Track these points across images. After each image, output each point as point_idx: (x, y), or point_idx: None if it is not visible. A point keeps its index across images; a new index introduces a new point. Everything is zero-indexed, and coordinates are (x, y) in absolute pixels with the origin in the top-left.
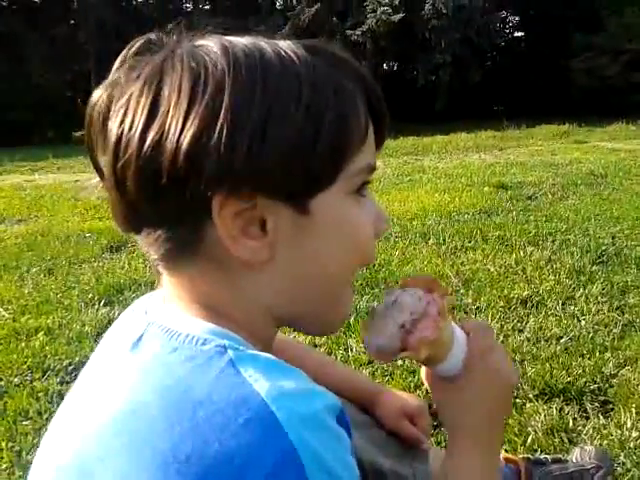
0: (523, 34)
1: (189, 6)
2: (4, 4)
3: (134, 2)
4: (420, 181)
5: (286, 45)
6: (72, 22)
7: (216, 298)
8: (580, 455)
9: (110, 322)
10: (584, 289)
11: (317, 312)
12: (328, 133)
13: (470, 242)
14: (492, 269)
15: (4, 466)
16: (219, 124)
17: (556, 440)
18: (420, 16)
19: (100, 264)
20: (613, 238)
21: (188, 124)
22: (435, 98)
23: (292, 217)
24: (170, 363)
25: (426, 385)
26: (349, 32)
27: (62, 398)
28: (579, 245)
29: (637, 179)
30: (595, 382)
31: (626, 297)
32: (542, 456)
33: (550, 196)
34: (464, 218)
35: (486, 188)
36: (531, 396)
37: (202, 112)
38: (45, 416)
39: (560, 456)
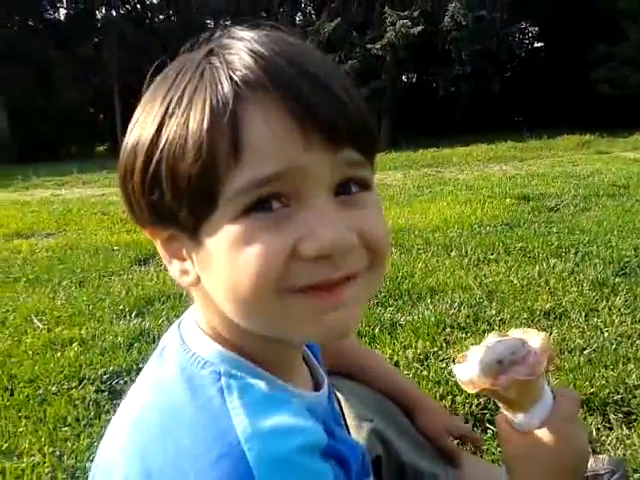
0: (543, 44)
1: (210, 22)
2: (30, 24)
3: (156, 19)
4: (441, 193)
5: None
6: (95, 40)
7: (211, 316)
8: (594, 462)
9: (142, 333)
10: (607, 301)
11: (273, 330)
12: (170, 166)
13: (492, 254)
14: (515, 281)
15: (46, 470)
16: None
17: None
18: (439, 28)
19: (129, 276)
20: (635, 250)
21: None
22: (455, 109)
23: (192, 246)
24: (176, 382)
25: (498, 431)
26: (369, 45)
27: (98, 406)
28: (602, 257)
29: None
30: (618, 393)
31: None
32: None
33: (572, 207)
34: (486, 230)
35: (508, 200)
36: None
37: None
38: (83, 423)
39: None
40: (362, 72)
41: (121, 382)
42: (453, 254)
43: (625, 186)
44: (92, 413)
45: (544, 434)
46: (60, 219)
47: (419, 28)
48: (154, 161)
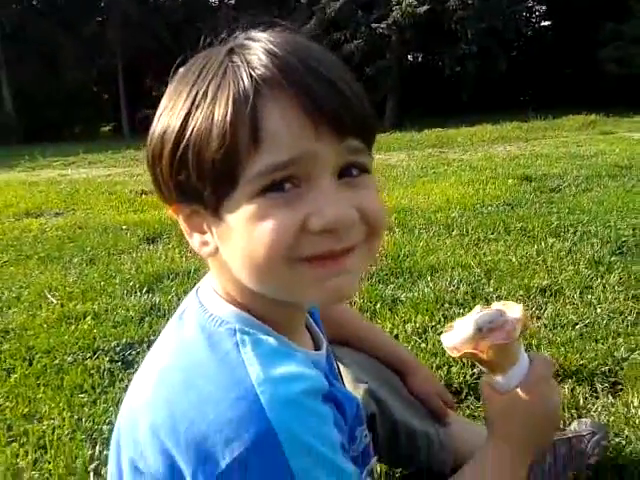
0: (550, 23)
1: (214, 1)
2: (34, 4)
3: None
4: (445, 174)
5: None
6: (99, 19)
7: (226, 282)
8: (577, 425)
9: (152, 308)
10: (602, 279)
11: (282, 293)
12: (197, 151)
13: (493, 234)
14: (514, 259)
15: (66, 432)
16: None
17: (567, 415)
18: (445, 7)
19: (138, 254)
20: (634, 229)
21: None
22: (461, 89)
23: (213, 221)
24: (195, 339)
25: (482, 393)
26: (374, 25)
27: (112, 375)
28: (600, 236)
29: None
30: (606, 365)
31: None
32: None
33: (574, 188)
34: (487, 210)
35: (510, 180)
36: None
37: None
38: (98, 390)
39: (561, 426)
40: (368, 51)
41: (133, 353)
42: (454, 233)
43: (627, 167)
44: (107, 381)
45: (521, 393)
46: (68, 199)
47: (425, 7)
48: (181, 147)
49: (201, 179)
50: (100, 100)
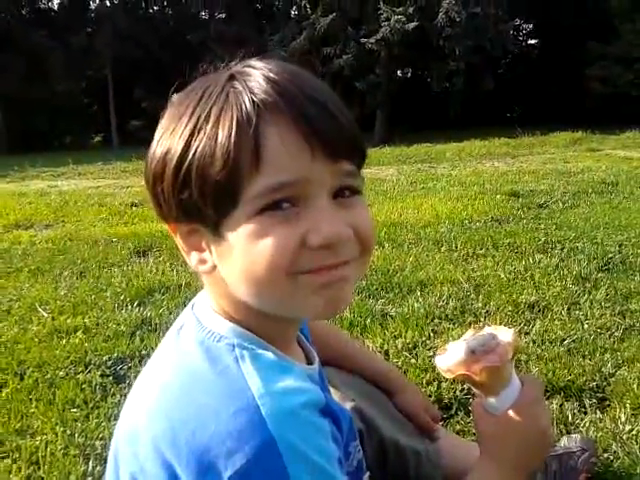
0: (537, 41)
1: (205, 14)
2: (24, 14)
3: (150, 10)
4: (434, 189)
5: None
6: (88, 30)
7: (222, 299)
8: (567, 441)
9: (144, 322)
10: (589, 295)
11: (280, 308)
12: (200, 172)
13: (481, 249)
14: (502, 275)
15: (59, 447)
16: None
17: (556, 431)
18: (433, 24)
19: (129, 268)
20: (620, 246)
21: None
22: (449, 105)
23: (213, 239)
24: (195, 354)
25: (473, 414)
26: (363, 40)
27: (104, 389)
28: (586, 253)
29: None
30: (594, 380)
31: (629, 303)
32: None
33: (561, 204)
34: (476, 225)
35: (498, 196)
36: None
37: None
38: (90, 405)
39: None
40: (357, 67)
41: (125, 367)
42: (443, 249)
43: (614, 183)
44: (99, 396)
45: (513, 415)
46: (58, 210)
47: (413, 24)
48: (185, 167)
49: (203, 198)
50: (89, 111)
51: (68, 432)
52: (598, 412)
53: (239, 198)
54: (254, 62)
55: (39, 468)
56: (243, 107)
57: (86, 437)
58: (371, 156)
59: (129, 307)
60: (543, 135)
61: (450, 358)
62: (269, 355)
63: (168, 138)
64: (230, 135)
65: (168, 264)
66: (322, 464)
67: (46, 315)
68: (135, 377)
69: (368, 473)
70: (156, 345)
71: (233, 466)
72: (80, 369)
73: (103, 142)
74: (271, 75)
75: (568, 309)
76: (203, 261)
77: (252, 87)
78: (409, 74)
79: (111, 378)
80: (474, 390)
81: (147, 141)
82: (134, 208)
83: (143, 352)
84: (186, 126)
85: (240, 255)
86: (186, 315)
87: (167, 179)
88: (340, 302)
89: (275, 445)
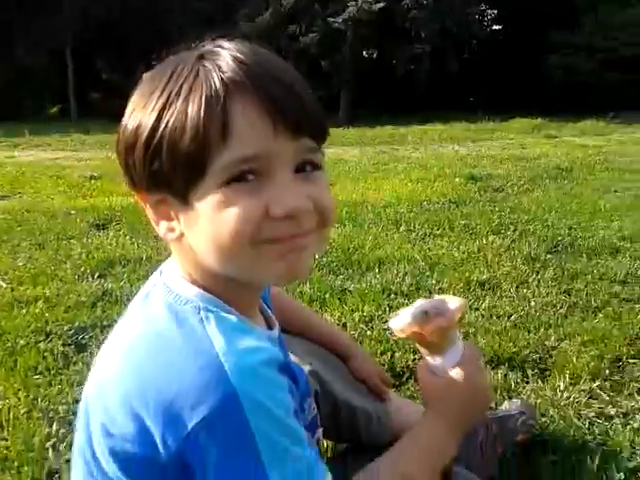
0: (501, 27)
1: None
2: None
3: None
4: (395, 170)
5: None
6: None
7: (189, 265)
8: (508, 405)
9: (104, 293)
10: (537, 274)
11: (245, 273)
12: (171, 143)
13: (438, 230)
14: (456, 254)
15: (22, 411)
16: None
17: (499, 398)
18: (400, 6)
19: (89, 240)
20: (569, 229)
21: None
22: (414, 87)
23: (181, 207)
24: (162, 315)
25: (419, 376)
26: (330, 19)
27: (66, 357)
28: (537, 235)
29: (599, 174)
30: (537, 353)
31: (574, 282)
32: None
33: (516, 188)
34: (434, 207)
35: (457, 179)
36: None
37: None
38: (52, 372)
39: (492, 406)
40: (322, 45)
41: (86, 337)
42: (402, 229)
43: (568, 169)
44: (60, 364)
45: (456, 373)
46: (14, 182)
47: (380, 4)
48: (156, 139)
49: (173, 169)
50: (48, 81)
51: (31, 397)
52: (539, 381)
53: (207, 169)
54: (223, 42)
55: (3, 429)
56: (212, 85)
57: (49, 402)
58: (335, 137)
59: (89, 279)
60: (503, 121)
61: (403, 319)
62: (232, 318)
63: (139, 112)
64: (200, 110)
65: (128, 238)
66: (280, 415)
67: (5, 285)
68: (97, 346)
69: (321, 429)
70: (118, 316)
71: (197, 417)
72: (41, 338)
73: (61, 113)
74: (239, 55)
75: (517, 287)
76: (172, 229)
77: (221, 66)
78: (375, 55)
79: (73, 347)
80: (421, 349)
81: (106, 113)
82: (93, 181)
83: (104, 322)
84: (157, 101)
85: (207, 224)
86: (154, 281)
87: (138, 151)
88: (300, 269)
89: (237, 398)
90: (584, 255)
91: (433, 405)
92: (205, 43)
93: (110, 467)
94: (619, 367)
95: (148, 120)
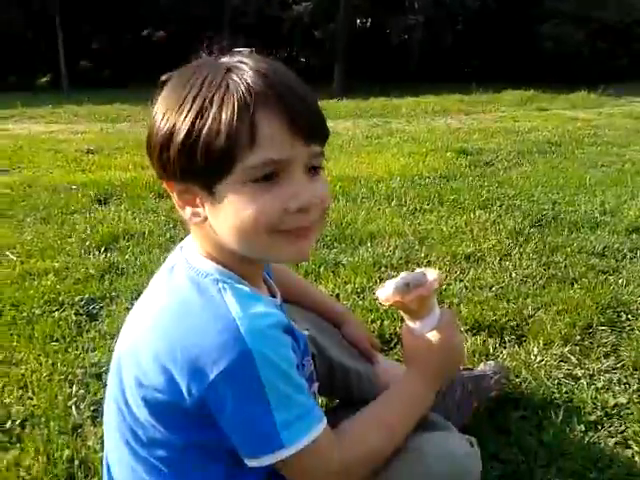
0: None
1: None
2: None
3: None
4: (388, 144)
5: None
6: None
7: (207, 245)
8: (483, 366)
9: (111, 266)
10: (520, 248)
11: (260, 254)
12: (205, 144)
13: (428, 204)
14: (444, 229)
15: (44, 374)
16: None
17: (478, 361)
18: None
19: (92, 215)
20: (554, 204)
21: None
22: (407, 58)
23: (207, 197)
24: (186, 287)
25: (402, 337)
26: None
27: (80, 326)
28: (522, 209)
29: (587, 148)
30: (515, 321)
31: (554, 255)
32: None
33: (505, 163)
34: (425, 182)
35: (448, 154)
36: (463, 329)
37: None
38: (68, 339)
39: (469, 367)
40: (316, 14)
41: (97, 307)
42: (393, 203)
43: (557, 144)
44: (75, 332)
45: (434, 335)
46: (13, 156)
47: None
48: (192, 139)
49: (205, 165)
50: (37, 49)
51: (50, 362)
52: (515, 346)
53: (233, 168)
54: (245, 58)
55: (27, 391)
56: (242, 96)
57: (67, 366)
58: (329, 109)
59: (96, 252)
60: (496, 92)
61: (388, 290)
62: (245, 288)
63: (174, 114)
64: (232, 118)
65: (130, 212)
66: (285, 368)
67: (15, 259)
68: (107, 316)
69: (317, 383)
70: (125, 288)
71: (217, 369)
72: (55, 308)
73: (52, 83)
74: (261, 70)
75: (500, 260)
76: (196, 214)
77: (247, 80)
78: (368, 25)
79: (85, 316)
80: (404, 316)
81: (98, 82)
82: (90, 155)
83: (113, 294)
84: (192, 106)
85: (231, 214)
86: (176, 256)
87: (174, 149)
88: (306, 252)
89: (251, 354)
90: (566, 229)
91: (413, 363)
92: (228, 55)
93: (141, 412)
94: (589, 333)
95: (184, 123)
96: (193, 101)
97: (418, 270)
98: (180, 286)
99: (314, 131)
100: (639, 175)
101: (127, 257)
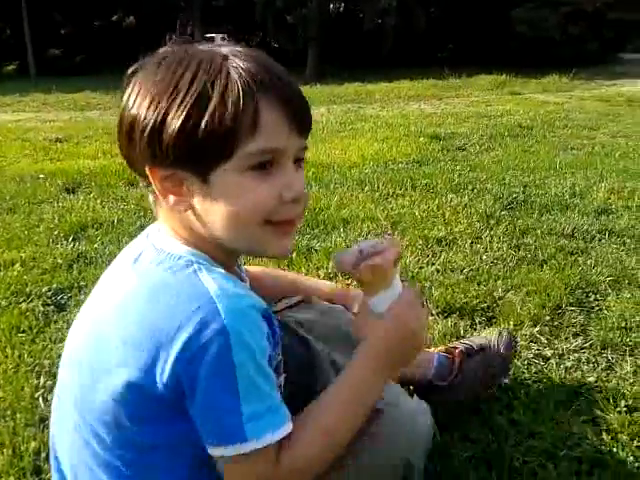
0: None
1: None
2: None
3: None
4: (362, 130)
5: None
6: None
7: (182, 230)
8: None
9: (79, 255)
10: (491, 231)
11: (247, 246)
12: (207, 128)
13: (401, 189)
14: (417, 213)
15: (10, 366)
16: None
17: (448, 343)
18: None
19: (60, 204)
20: (524, 187)
21: None
22: (381, 43)
23: (199, 184)
24: (157, 270)
25: (355, 312)
26: None
27: (47, 317)
28: (493, 193)
29: (558, 131)
30: (485, 303)
31: (524, 237)
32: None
33: (478, 147)
34: (398, 167)
35: (421, 139)
36: (434, 312)
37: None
38: (35, 330)
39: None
40: None
41: (65, 297)
42: (366, 189)
43: (529, 127)
44: (42, 323)
45: (386, 315)
46: None
47: None
48: (191, 123)
49: (206, 149)
50: (1, 35)
51: (17, 353)
52: (486, 327)
53: (233, 154)
54: (237, 47)
55: None
56: (246, 81)
57: (35, 357)
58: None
59: (64, 242)
60: (470, 77)
61: (342, 255)
62: (220, 270)
63: (168, 100)
64: (238, 102)
65: (99, 201)
66: (258, 356)
67: None
68: (75, 306)
69: (284, 375)
70: (94, 277)
71: (192, 348)
72: (22, 299)
73: (18, 70)
74: (259, 60)
75: (471, 243)
76: (181, 202)
77: (250, 68)
78: (341, 9)
79: (53, 307)
80: (361, 289)
81: (69, 70)
82: (59, 144)
83: (81, 283)
84: (189, 91)
85: (226, 202)
86: (142, 243)
87: (170, 134)
88: (289, 247)
89: (227, 333)
90: (536, 211)
91: (361, 345)
92: (204, 43)
93: (107, 408)
94: (559, 314)
95: (182, 106)
96: (190, 85)
97: (379, 238)
98: (150, 270)
99: (307, 124)
100: (609, 157)
101: (96, 246)
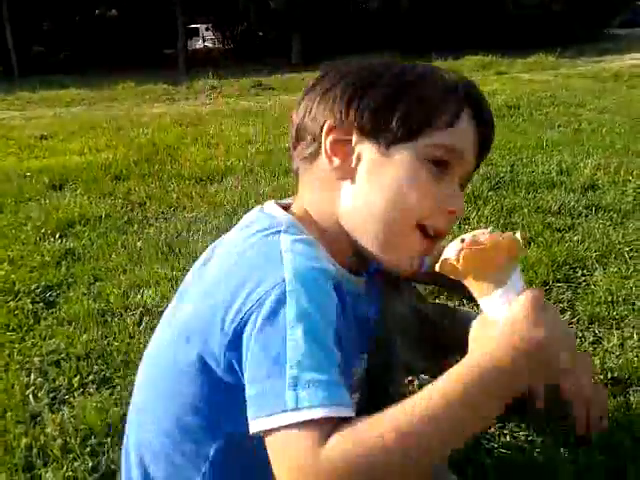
0: None
1: None
2: None
3: None
4: None
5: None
6: None
7: (309, 205)
8: None
9: (67, 252)
10: (478, 211)
11: (380, 245)
12: (406, 104)
13: None
14: None
15: (0, 364)
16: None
17: None
18: None
19: (47, 201)
20: (511, 166)
21: None
22: (366, 27)
23: (376, 154)
24: (255, 234)
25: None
26: None
27: (36, 315)
28: (481, 173)
29: (545, 110)
30: None
31: (511, 217)
32: None
33: None
34: None
35: None
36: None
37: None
38: (25, 328)
39: None
40: None
41: (54, 294)
42: None
43: (515, 106)
44: (31, 320)
45: (511, 318)
46: None
47: None
48: (395, 94)
49: (401, 126)
50: None
51: (7, 352)
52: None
53: (419, 136)
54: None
55: None
56: (461, 88)
57: (24, 355)
58: (292, 83)
59: (51, 239)
60: (456, 59)
61: (447, 250)
62: (308, 236)
63: (374, 84)
64: (447, 95)
65: (86, 197)
66: (319, 322)
67: None
68: (64, 302)
69: (358, 393)
70: (82, 272)
71: (249, 303)
72: (10, 297)
73: (3, 71)
74: (473, 84)
75: (459, 225)
76: (339, 168)
77: (466, 81)
78: None
79: (41, 304)
80: (472, 292)
81: (53, 67)
82: (44, 141)
83: (70, 280)
84: (388, 88)
85: (392, 182)
86: (253, 215)
87: (371, 98)
88: (415, 266)
89: (284, 291)
90: (523, 190)
91: (467, 357)
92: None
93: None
94: (546, 290)
95: (392, 86)
96: (393, 80)
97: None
98: (249, 234)
99: (486, 153)
100: (595, 134)
101: (84, 242)
